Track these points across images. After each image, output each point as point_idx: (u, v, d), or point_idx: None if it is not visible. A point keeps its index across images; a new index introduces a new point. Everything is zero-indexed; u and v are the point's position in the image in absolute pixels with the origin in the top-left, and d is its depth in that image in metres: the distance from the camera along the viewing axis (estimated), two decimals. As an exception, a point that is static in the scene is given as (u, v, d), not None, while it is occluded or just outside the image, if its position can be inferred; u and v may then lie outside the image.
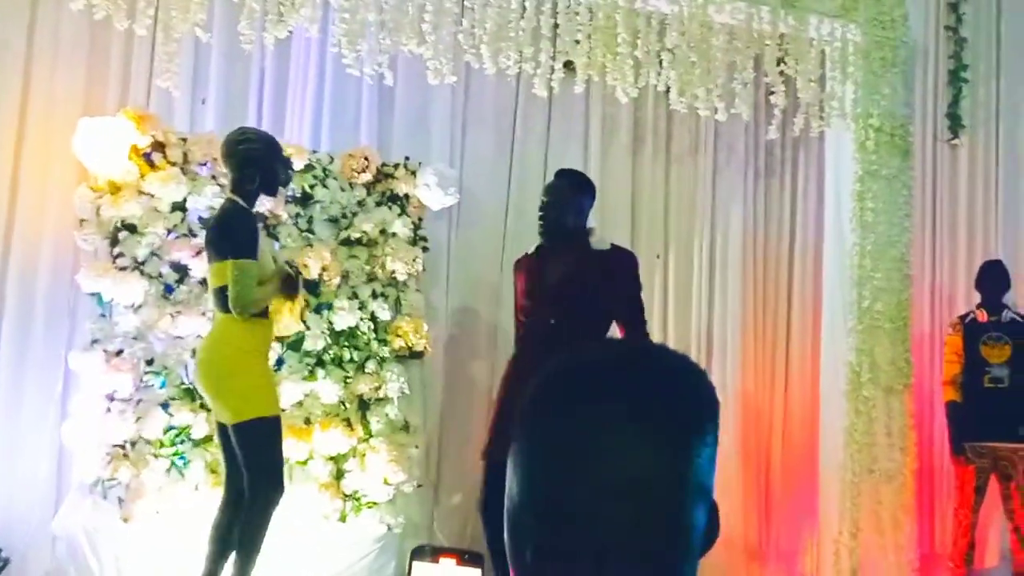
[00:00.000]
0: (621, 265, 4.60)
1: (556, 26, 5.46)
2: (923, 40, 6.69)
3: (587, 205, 4.68)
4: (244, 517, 4.18)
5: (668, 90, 5.68)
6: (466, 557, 5.10)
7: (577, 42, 5.43)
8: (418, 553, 5.12)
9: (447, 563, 5.09)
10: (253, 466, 4.17)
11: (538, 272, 4.59)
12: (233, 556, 4.21)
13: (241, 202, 4.25)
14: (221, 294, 4.16)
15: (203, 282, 5.12)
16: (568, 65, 5.50)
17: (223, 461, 4.34)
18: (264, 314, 4.27)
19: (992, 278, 6.05)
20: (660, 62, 5.60)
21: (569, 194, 4.62)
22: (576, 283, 4.50)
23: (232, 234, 4.15)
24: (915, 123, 6.44)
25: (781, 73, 5.79)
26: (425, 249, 5.62)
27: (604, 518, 1.02)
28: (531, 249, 4.69)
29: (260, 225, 5.21)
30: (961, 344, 5.94)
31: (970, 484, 5.80)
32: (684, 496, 1.04)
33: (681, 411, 1.06)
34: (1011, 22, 7.05)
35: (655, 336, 6.24)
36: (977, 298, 6.14)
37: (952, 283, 6.74)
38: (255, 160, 4.27)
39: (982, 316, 5.98)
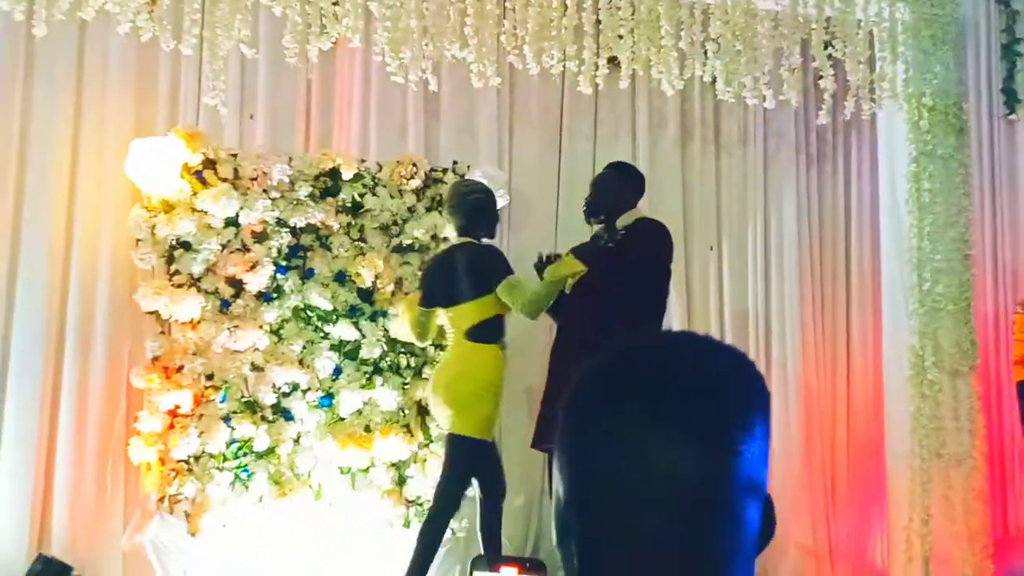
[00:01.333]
0: (633, 240, 4.72)
1: (598, 22, 5.43)
2: (973, 15, 6.53)
3: (625, 189, 4.89)
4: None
5: (714, 80, 5.63)
6: (528, 565, 4.99)
7: (620, 37, 5.40)
8: (478, 563, 5.04)
9: (508, 572, 4.99)
10: (443, 475, 4.72)
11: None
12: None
13: (476, 243, 4.80)
14: (483, 327, 4.66)
15: (259, 295, 5.18)
16: (612, 60, 5.47)
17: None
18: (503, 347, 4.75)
19: None
20: (705, 52, 5.55)
21: (608, 181, 4.92)
22: (595, 269, 4.57)
23: (494, 265, 4.71)
24: (969, 100, 6.29)
25: (829, 56, 5.70)
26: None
27: (651, 517, 1.00)
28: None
29: (313, 236, 5.30)
30: None
31: None
32: (733, 493, 1.02)
33: (728, 405, 1.04)
34: (1064, -9, 6.88)
35: (713, 330, 6.20)
36: None
37: (1015, 261, 6.58)
38: (483, 209, 4.86)
39: None
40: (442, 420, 4.78)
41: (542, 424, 4.70)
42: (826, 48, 5.70)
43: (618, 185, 4.94)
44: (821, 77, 5.70)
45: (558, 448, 1.08)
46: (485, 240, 4.92)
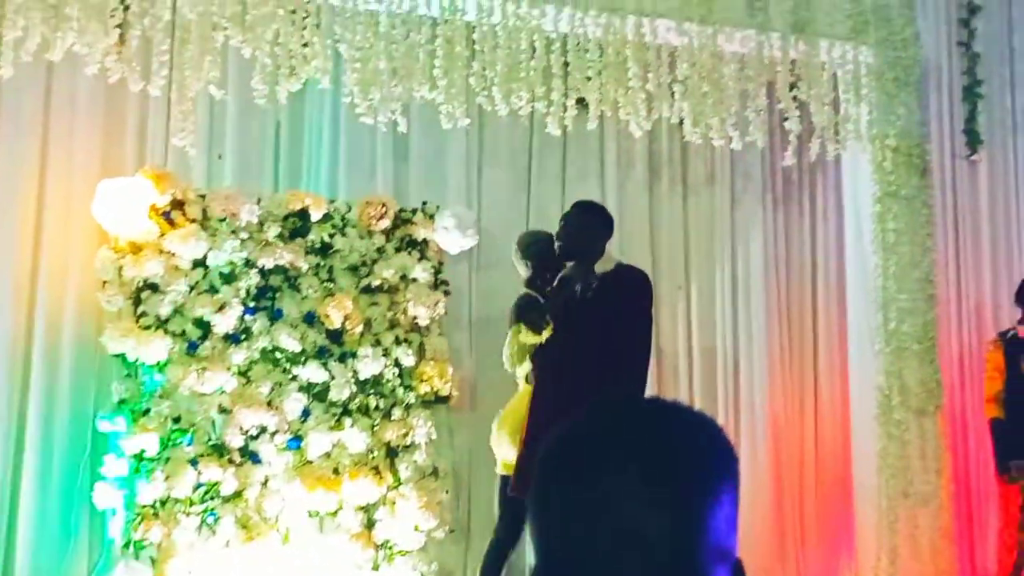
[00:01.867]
0: (615, 289, 4.64)
1: (567, 64, 5.48)
2: (936, 57, 6.65)
3: (594, 226, 4.81)
4: None
5: (682, 122, 5.69)
6: None
7: (588, 79, 5.45)
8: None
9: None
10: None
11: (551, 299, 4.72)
12: None
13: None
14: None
15: (227, 337, 5.14)
16: (581, 102, 5.52)
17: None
18: None
19: None
20: (672, 94, 5.61)
21: (575, 219, 4.84)
22: (572, 319, 4.54)
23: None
24: (932, 141, 6.40)
25: (794, 98, 5.78)
26: (446, 293, 5.62)
27: None
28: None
29: (282, 277, 5.28)
30: (1003, 360, 5.89)
31: (1015, 503, 5.73)
32: (702, 559, 1.03)
33: (693, 474, 1.05)
34: (1022, 34, 7.01)
35: (682, 369, 6.23)
36: (1018, 314, 6.05)
37: (978, 301, 6.65)
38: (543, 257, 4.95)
39: (1023, 332, 5.93)
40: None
41: (525, 472, 4.61)
42: (791, 90, 5.78)
43: (585, 222, 4.84)
44: (786, 119, 5.78)
45: (530, 505, 1.09)
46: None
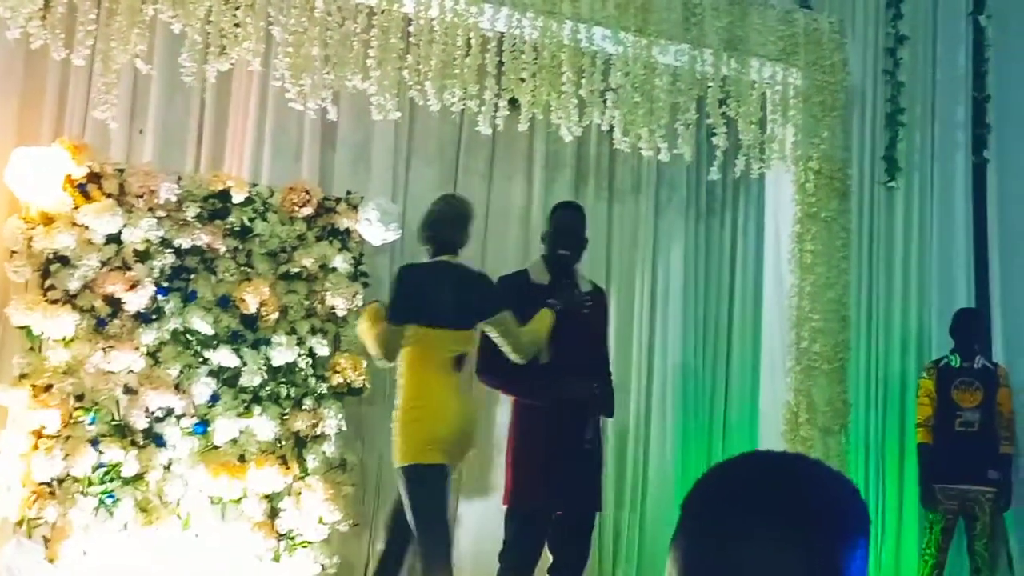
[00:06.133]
0: (600, 311, 5.02)
1: (501, 64, 5.46)
2: (861, 84, 6.79)
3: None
4: None
5: (612, 129, 5.71)
6: None
7: (522, 80, 5.44)
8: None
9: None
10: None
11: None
12: None
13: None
14: None
15: (137, 316, 5.03)
16: (513, 103, 5.51)
17: None
18: None
19: (966, 325, 6.19)
20: (604, 101, 5.63)
21: (583, 221, 5.16)
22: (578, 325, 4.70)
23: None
24: (853, 166, 6.53)
25: (723, 115, 5.85)
26: (366, 285, 5.56)
27: None
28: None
29: (198, 259, 5.18)
30: (934, 388, 6.09)
31: (938, 524, 5.92)
32: None
33: (838, 528, 1.11)
34: (946, 67, 7.18)
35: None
36: (950, 344, 6.24)
37: (888, 325, 6.80)
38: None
39: (955, 362, 6.11)
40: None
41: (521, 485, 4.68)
42: (721, 106, 5.84)
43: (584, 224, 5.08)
44: (714, 134, 5.84)
45: (673, 546, 1.14)
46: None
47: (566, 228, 4.91)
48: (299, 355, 5.33)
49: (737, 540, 1.08)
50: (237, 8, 4.99)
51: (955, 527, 6.01)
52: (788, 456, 1.22)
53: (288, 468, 5.23)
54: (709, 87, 5.83)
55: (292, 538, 5.20)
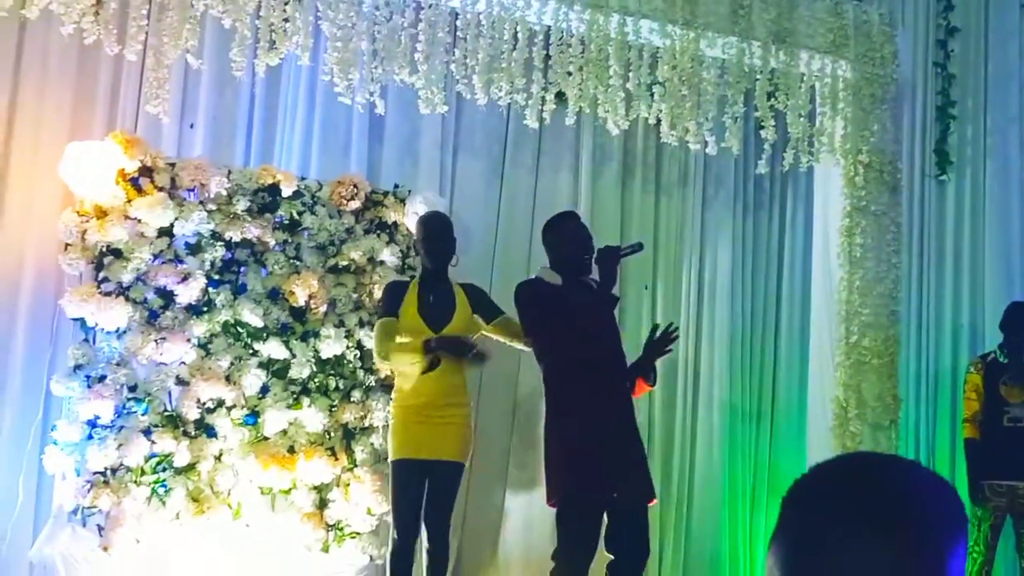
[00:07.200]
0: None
1: (548, 57, 5.47)
2: (912, 76, 6.71)
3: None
4: None
5: (659, 123, 5.70)
6: None
7: (569, 74, 5.44)
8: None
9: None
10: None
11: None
12: None
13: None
14: None
15: (189, 308, 5.09)
16: (560, 96, 5.51)
17: None
18: None
19: (1016, 319, 6.06)
20: (651, 95, 5.62)
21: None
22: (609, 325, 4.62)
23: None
24: (903, 159, 6.46)
25: (771, 108, 5.81)
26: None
27: None
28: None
29: (248, 252, 5.23)
30: (981, 383, 5.99)
31: (986, 522, 5.84)
32: None
33: (942, 527, 1.13)
34: (997, 59, 7.09)
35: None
36: (1000, 337, 6.13)
37: (939, 320, 6.72)
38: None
39: (1002, 357, 6.02)
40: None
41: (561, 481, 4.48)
42: (769, 99, 5.81)
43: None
44: (762, 127, 5.80)
45: (775, 541, 1.16)
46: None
47: (582, 237, 4.70)
48: (347, 347, 5.37)
49: (840, 542, 1.10)
50: (286, 3, 5.04)
51: (1003, 524, 5.92)
52: (885, 457, 1.23)
53: (337, 459, 5.27)
54: (757, 80, 5.79)
55: (341, 529, 5.24)
